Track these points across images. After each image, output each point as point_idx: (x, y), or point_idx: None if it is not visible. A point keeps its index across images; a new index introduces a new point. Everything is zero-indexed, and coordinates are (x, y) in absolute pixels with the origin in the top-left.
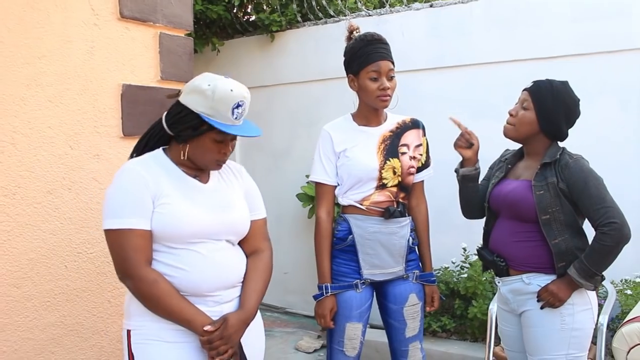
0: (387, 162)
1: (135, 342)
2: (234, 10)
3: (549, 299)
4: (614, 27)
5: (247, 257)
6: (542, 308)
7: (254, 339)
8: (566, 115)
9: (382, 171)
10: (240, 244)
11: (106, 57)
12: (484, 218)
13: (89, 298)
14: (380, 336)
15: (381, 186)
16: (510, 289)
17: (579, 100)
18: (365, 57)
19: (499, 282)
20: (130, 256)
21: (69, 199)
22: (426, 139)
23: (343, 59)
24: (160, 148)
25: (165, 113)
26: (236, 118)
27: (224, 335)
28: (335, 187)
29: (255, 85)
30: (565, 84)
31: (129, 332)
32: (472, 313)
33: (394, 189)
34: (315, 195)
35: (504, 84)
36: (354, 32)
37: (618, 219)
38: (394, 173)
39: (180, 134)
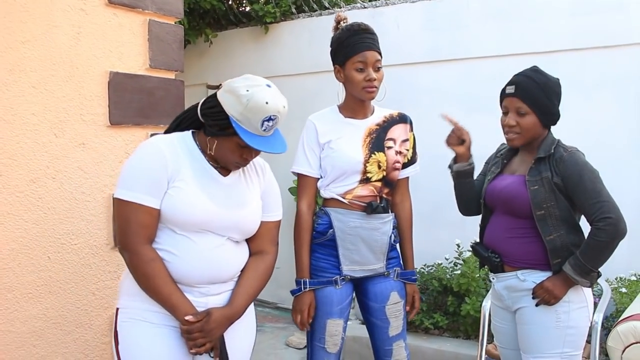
0: (373, 155)
1: (122, 320)
2: (228, 1)
3: (545, 296)
4: (612, 22)
5: (250, 255)
6: (537, 305)
7: (243, 333)
8: (556, 97)
9: (367, 165)
10: (247, 241)
11: (93, 43)
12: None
13: (72, 290)
14: None
15: (365, 180)
16: (504, 285)
17: (558, 78)
18: (351, 47)
19: (493, 279)
20: (133, 230)
21: (53, 188)
22: (413, 135)
23: (330, 48)
24: (190, 131)
25: (203, 100)
26: (265, 130)
27: (204, 328)
28: (318, 179)
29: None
30: (538, 71)
31: (117, 310)
32: (465, 310)
33: (378, 184)
34: (297, 188)
35: (501, 78)
36: (341, 23)
37: (614, 213)
38: (379, 167)
39: (209, 128)
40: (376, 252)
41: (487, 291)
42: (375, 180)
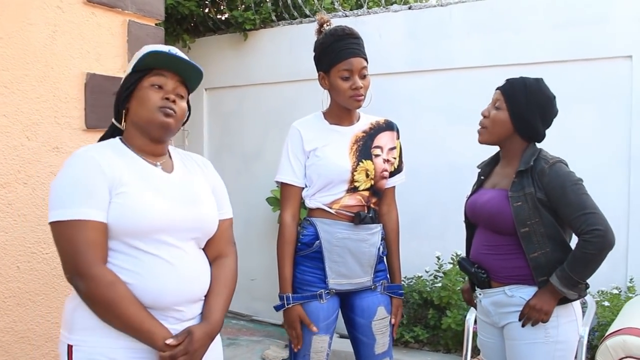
0: (360, 163)
1: None
2: (207, 7)
3: (535, 315)
4: (594, 34)
5: (210, 262)
6: (533, 325)
7: (211, 353)
8: (541, 114)
9: (355, 173)
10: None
11: (69, 43)
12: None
13: (42, 302)
14: None
15: (352, 189)
16: (491, 301)
17: (554, 97)
18: (336, 53)
19: (480, 294)
20: (82, 251)
21: (24, 194)
22: (400, 143)
23: (314, 53)
24: (117, 137)
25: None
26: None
27: (188, 350)
28: (303, 188)
29: (226, 85)
30: (539, 81)
31: (70, 347)
32: (446, 323)
33: (366, 193)
34: (280, 197)
35: (483, 89)
36: (324, 25)
37: (601, 225)
38: (367, 176)
39: (120, 102)
40: (364, 264)
41: (468, 304)
42: (363, 190)
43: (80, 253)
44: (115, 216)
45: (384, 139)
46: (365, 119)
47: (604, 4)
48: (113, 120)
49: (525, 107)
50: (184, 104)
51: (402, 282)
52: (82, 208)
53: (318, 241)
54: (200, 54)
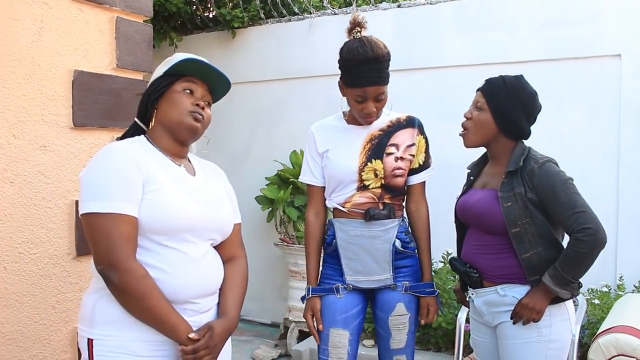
0: (369, 163)
1: (100, 354)
2: (194, 5)
3: (527, 314)
4: (584, 33)
5: (224, 263)
6: (524, 324)
7: (224, 349)
8: (524, 110)
9: (362, 173)
10: (216, 248)
11: (56, 40)
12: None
13: (30, 303)
14: None
15: (362, 187)
16: (484, 300)
17: (535, 92)
18: (353, 77)
19: (472, 294)
20: (119, 244)
21: (10, 193)
22: (424, 138)
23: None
24: (142, 135)
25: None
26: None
27: (209, 344)
28: (323, 187)
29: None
30: (519, 78)
31: (90, 341)
32: (436, 322)
33: (378, 191)
34: (306, 196)
35: (472, 87)
36: (355, 30)
37: (592, 223)
38: (376, 175)
39: (149, 102)
40: (379, 261)
41: (458, 303)
42: (374, 188)
43: (116, 246)
44: (146, 213)
45: (402, 137)
46: (386, 116)
47: (593, 3)
48: (136, 119)
49: (507, 105)
50: (210, 112)
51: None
52: (120, 202)
53: (335, 240)
54: (188, 52)
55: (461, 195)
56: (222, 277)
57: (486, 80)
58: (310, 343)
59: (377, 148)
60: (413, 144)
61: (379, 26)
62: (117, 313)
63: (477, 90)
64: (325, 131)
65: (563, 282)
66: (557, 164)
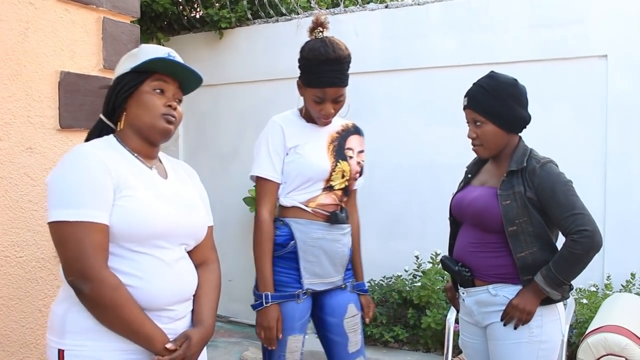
0: (338, 164)
1: None
2: (181, 5)
3: (517, 315)
4: (571, 33)
5: (196, 267)
6: (515, 327)
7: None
8: (513, 99)
9: (333, 173)
10: (188, 252)
11: (42, 40)
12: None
13: (16, 307)
14: None
15: (328, 188)
16: (475, 300)
17: (514, 79)
18: (313, 77)
19: (463, 293)
20: (90, 254)
21: None
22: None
23: (299, 55)
24: (111, 135)
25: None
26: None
27: (187, 354)
28: (279, 185)
29: (201, 84)
30: (491, 76)
31: (61, 352)
32: (425, 323)
33: (339, 192)
34: (256, 193)
35: (460, 88)
36: (317, 30)
37: (589, 226)
38: (343, 176)
39: (117, 102)
40: (337, 264)
41: (447, 303)
42: (338, 189)
43: (87, 256)
44: (117, 220)
45: (353, 142)
46: (336, 120)
47: (580, 4)
48: (101, 116)
49: (501, 107)
50: (181, 109)
51: (382, 282)
52: (91, 210)
53: (293, 242)
54: (177, 53)
55: (457, 192)
56: (196, 282)
57: (467, 96)
58: None
59: (338, 150)
60: (362, 151)
61: (367, 27)
62: (89, 322)
63: (465, 108)
64: (293, 126)
65: (555, 283)
66: (557, 166)
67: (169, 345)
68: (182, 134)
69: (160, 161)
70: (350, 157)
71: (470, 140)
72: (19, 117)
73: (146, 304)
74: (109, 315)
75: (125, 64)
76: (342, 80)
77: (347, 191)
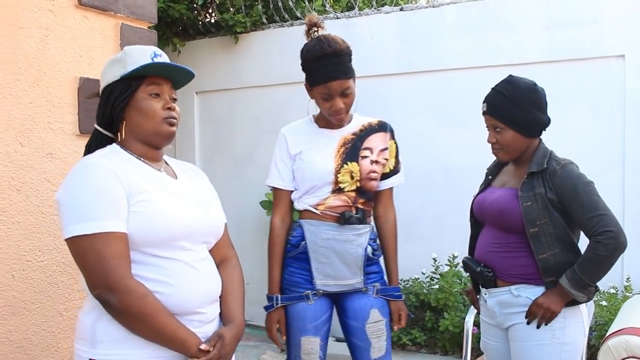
0: (345, 165)
1: None
2: (197, 10)
3: (541, 313)
4: (586, 34)
5: (217, 266)
6: (538, 327)
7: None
8: (533, 105)
9: (338, 175)
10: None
11: (62, 47)
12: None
13: (38, 311)
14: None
15: (337, 190)
16: (497, 301)
17: (533, 83)
18: (315, 75)
19: (485, 294)
20: (114, 265)
21: (17, 201)
22: (395, 143)
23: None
24: (114, 144)
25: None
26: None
27: (221, 354)
28: (292, 192)
29: (217, 89)
30: (510, 81)
31: None
32: (443, 325)
33: (352, 194)
34: (272, 201)
35: (475, 90)
36: (312, 30)
37: (613, 227)
38: (352, 178)
39: (113, 113)
40: (351, 265)
41: (465, 306)
42: (349, 191)
43: (111, 267)
44: (136, 226)
45: (375, 141)
46: (358, 120)
47: (596, 4)
48: (97, 127)
49: (520, 113)
50: (178, 108)
51: (399, 285)
52: (108, 220)
53: (304, 242)
54: (191, 58)
55: (478, 194)
56: (220, 281)
57: (485, 102)
58: None
59: (351, 151)
60: (386, 148)
61: (382, 30)
62: (120, 330)
63: (484, 114)
64: (297, 133)
65: (580, 285)
66: (578, 167)
67: (203, 347)
68: (198, 138)
69: (167, 163)
70: (365, 157)
71: (487, 143)
72: (40, 123)
73: (176, 308)
74: (139, 324)
75: (112, 71)
76: (343, 72)
77: (364, 192)
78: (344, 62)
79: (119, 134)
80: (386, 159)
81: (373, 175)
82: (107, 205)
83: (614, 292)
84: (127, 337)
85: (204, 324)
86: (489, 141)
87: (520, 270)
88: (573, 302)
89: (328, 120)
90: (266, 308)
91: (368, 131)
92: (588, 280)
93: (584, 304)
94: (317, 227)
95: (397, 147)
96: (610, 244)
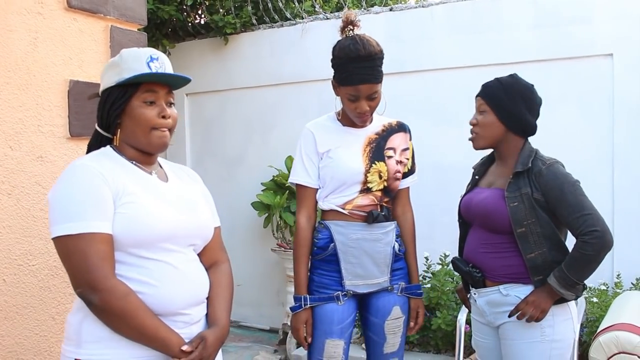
0: (373, 165)
1: None
2: (186, 12)
3: (530, 311)
4: (576, 33)
5: (206, 269)
6: (527, 321)
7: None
8: (525, 104)
9: (368, 175)
10: (198, 255)
11: (51, 50)
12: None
13: (30, 315)
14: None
15: (365, 190)
16: (486, 300)
17: (532, 85)
18: (345, 76)
19: (475, 294)
20: (97, 265)
21: (8, 205)
22: (412, 144)
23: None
24: (108, 146)
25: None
26: (156, 71)
27: (203, 356)
28: (317, 190)
29: (207, 90)
30: (513, 77)
31: None
32: (435, 324)
33: (379, 194)
34: (296, 199)
35: (466, 89)
36: (347, 29)
37: (599, 226)
38: (380, 177)
39: (110, 118)
40: (380, 264)
41: (457, 304)
42: (376, 190)
43: (93, 266)
44: (121, 227)
45: (397, 141)
46: (378, 120)
47: (585, 4)
48: (97, 128)
49: (508, 103)
50: (175, 112)
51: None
52: (93, 221)
53: (332, 244)
54: (181, 59)
55: (465, 194)
56: (208, 284)
57: (483, 85)
58: None
59: (377, 151)
60: (407, 148)
61: (372, 30)
62: (105, 331)
63: (476, 96)
64: (324, 131)
65: (568, 284)
66: (563, 166)
67: (185, 347)
68: (189, 140)
69: (161, 166)
70: (390, 157)
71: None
72: (30, 126)
73: (160, 309)
74: (121, 323)
75: (109, 76)
76: (374, 76)
77: (388, 192)
78: (376, 65)
79: (115, 138)
80: (407, 159)
81: (398, 175)
82: (93, 206)
83: (605, 288)
84: (112, 337)
85: (188, 325)
86: (470, 122)
87: (509, 270)
88: (561, 300)
89: (351, 119)
90: (292, 309)
91: (389, 131)
92: (575, 279)
93: (573, 302)
94: (345, 227)
95: (413, 148)
96: (596, 243)
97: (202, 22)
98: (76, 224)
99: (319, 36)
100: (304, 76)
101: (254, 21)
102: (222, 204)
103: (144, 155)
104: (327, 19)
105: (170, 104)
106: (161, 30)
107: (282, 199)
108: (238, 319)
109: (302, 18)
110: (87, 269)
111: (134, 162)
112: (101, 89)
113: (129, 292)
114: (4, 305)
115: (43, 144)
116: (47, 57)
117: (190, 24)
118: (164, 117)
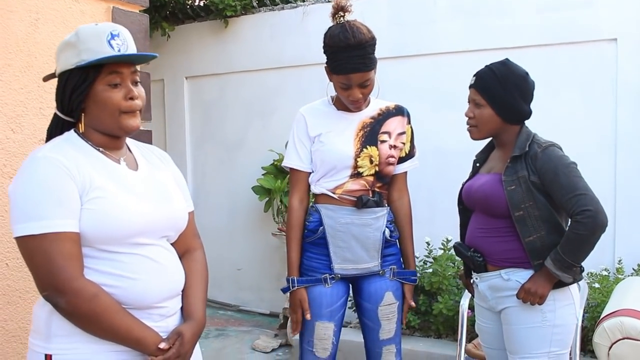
0: (364, 150)
1: None
2: None
3: (529, 299)
4: (579, 17)
5: (180, 257)
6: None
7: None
8: (520, 93)
9: (358, 159)
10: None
11: (52, 31)
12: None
13: (33, 300)
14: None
15: (356, 174)
16: (488, 285)
17: (526, 72)
18: (337, 64)
19: (476, 279)
20: (62, 267)
21: None
22: (411, 127)
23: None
24: (72, 130)
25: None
26: (119, 51)
27: (180, 352)
28: (309, 173)
29: (207, 74)
30: (506, 64)
31: (48, 357)
32: (437, 309)
33: (370, 178)
34: (289, 182)
35: (468, 73)
36: (338, 15)
37: (592, 205)
38: (371, 162)
39: (72, 104)
40: (369, 249)
41: (459, 289)
42: (367, 175)
43: (58, 268)
44: (89, 224)
45: (392, 124)
46: (375, 104)
47: None
48: (57, 112)
49: (503, 94)
50: (142, 90)
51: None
52: (56, 219)
53: (322, 227)
54: (180, 42)
55: (467, 181)
56: (183, 275)
57: (475, 75)
58: None
59: (370, 135)
60: (403, 132)
61: (374, 13)
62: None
63: (470, 87)
64: (316, 115)
65: (564, 266)
66: (561, 149)
67: (161, 345)
68: (189, 124)
69: (130, 149)
70: (383, 142)
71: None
72: (32, 109)
73: (135, 302)
74: (91, 326)
75: (67, 57)
76: (365, 65)
77: (381, 176)
78: (367, 53)
79: (79, 124)
80: (403, 143)
81: (391, 160)
82: (56, 203)
83: (606, 274)
84: (80, 331)
85: (164, 318)
86: (466, 114)
87: (509, 254)
88: (562, 284)
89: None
90: (283, 290)
91: (386, 115)
92: (571, 261)
93: (575, 286)
94: (334, 211)
95: (412, 132)
96: (588, 223)
97: (202, 4)
98: (38, 223)
99: (320, 19)
100: (305, 59)
101: (255, 4)
102: (222, 188)
103: (112, 139)
104: (329, 1)
105: (135, 83)
106: (160, 13)
107: (283, 183)
108: (238, 303)
109: (303, 1)
110: (52, 270)
111: (100, 149)
112: (58, 71)
113: (97, 292)
114: (7, 290)
115: (45, 127)
116: (48, 39)
117: (189, 7)
118: (131, 98)
